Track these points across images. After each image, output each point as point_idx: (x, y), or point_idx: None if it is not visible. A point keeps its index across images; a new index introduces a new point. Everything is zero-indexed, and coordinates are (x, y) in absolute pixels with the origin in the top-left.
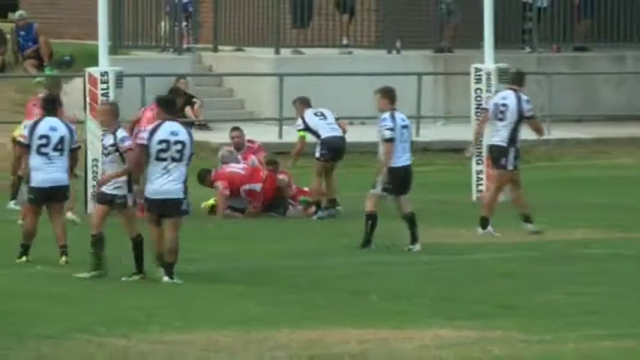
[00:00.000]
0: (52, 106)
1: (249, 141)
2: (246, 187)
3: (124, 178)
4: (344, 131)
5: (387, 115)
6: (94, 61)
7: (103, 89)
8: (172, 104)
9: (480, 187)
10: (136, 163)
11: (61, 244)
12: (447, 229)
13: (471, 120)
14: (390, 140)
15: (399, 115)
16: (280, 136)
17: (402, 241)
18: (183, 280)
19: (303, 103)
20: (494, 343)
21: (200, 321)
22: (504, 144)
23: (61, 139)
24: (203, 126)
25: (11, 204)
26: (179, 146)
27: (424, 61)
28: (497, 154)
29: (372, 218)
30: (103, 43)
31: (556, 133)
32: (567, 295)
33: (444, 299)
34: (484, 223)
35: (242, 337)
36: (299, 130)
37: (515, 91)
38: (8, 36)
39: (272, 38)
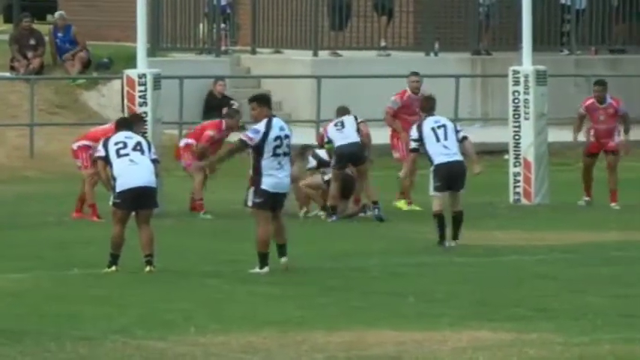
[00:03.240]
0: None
1: None
2: None
3: None
4: (365, 135)
5: (414, 125)
6: (132, 63)
7: (140, 91)
8: (269, 100)
9: (518, 189)
10: None
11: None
12: (484, 230)
13: (509, 122)
14: (414, 151)
15: (431, 119)
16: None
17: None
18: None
19: (337, 112)
20: (530, 346)
21: (236, 323)
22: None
23: None
24: (241, 127)
25: None
26: (287, 140)
27: (462, 64)
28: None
29: (437, 217)
30: (141, 45)
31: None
32: (603, 297)
33: (480, 301)
34: None
35: (279, 339)
36: (327, 142)
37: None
38: (46, 38)
39: (310, 40)
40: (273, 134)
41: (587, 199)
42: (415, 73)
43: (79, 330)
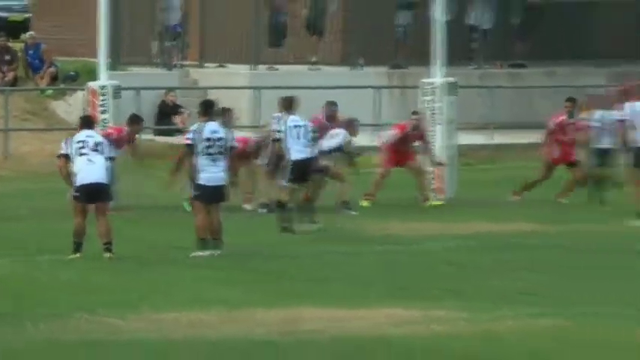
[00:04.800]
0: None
1: None
2: None
3: None
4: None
5: (277, 118)
6: (95, 75)
7: (102, 100)
8: (211, 107)
9: (432, 186)
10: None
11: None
12: (403, 222)
13: None
14: (277, 140)
15: (292, 117)
16: None
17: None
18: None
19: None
20: (438, 322)
21: (187, 303)
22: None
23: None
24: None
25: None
26: (221, 142)
27: (382, 76)
28: None
29: (284, 205)
30: (102, 60)
31: (498, 138)
32: (506, 280)
33: (397, 284)
34: None
35: (224, 317)
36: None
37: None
38: (20, 54)
39: (250, 56)
40: (204, 136)
41: (518, 198)
42: (416, 112)
43: (47, 308)
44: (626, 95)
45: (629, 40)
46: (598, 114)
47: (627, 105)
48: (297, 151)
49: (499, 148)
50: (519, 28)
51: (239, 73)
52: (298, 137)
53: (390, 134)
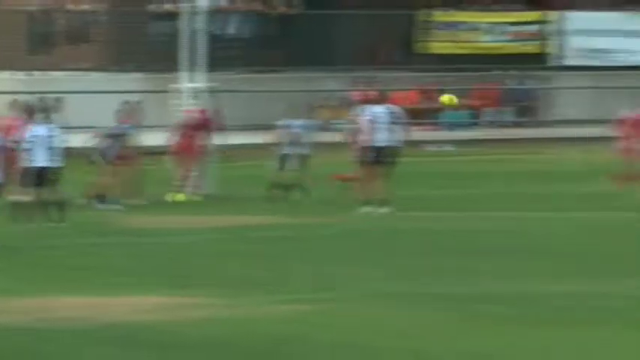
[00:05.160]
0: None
1: None
2: None
3: None
4: None
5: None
6: None
7: None
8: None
9: (191, 183)
10: None
11: None
12: (161, 216)
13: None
14: (14, 149)
15: (39, 127)
16: None
17: None
18: None
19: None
20: (195, 308)
21: None
22: None
23: None
24: None
25: None
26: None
27: (143, 82)
28: None
29: (21, 205)
30: None
31: (238, 138)
32: (246, 269)
33: (153, 273)
34: None
35: None
36: None
37: None
38: None
39: (14, 63)
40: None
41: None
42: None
43: None
44: (368, 99)
45: (369, 48)
46: (288, 121)
47: (368, 108)
48: (40, 159)
49: (239, 148)
50: (274, 37)
51: (1, 79)
52: (42, 145)
53: (187, 116)
